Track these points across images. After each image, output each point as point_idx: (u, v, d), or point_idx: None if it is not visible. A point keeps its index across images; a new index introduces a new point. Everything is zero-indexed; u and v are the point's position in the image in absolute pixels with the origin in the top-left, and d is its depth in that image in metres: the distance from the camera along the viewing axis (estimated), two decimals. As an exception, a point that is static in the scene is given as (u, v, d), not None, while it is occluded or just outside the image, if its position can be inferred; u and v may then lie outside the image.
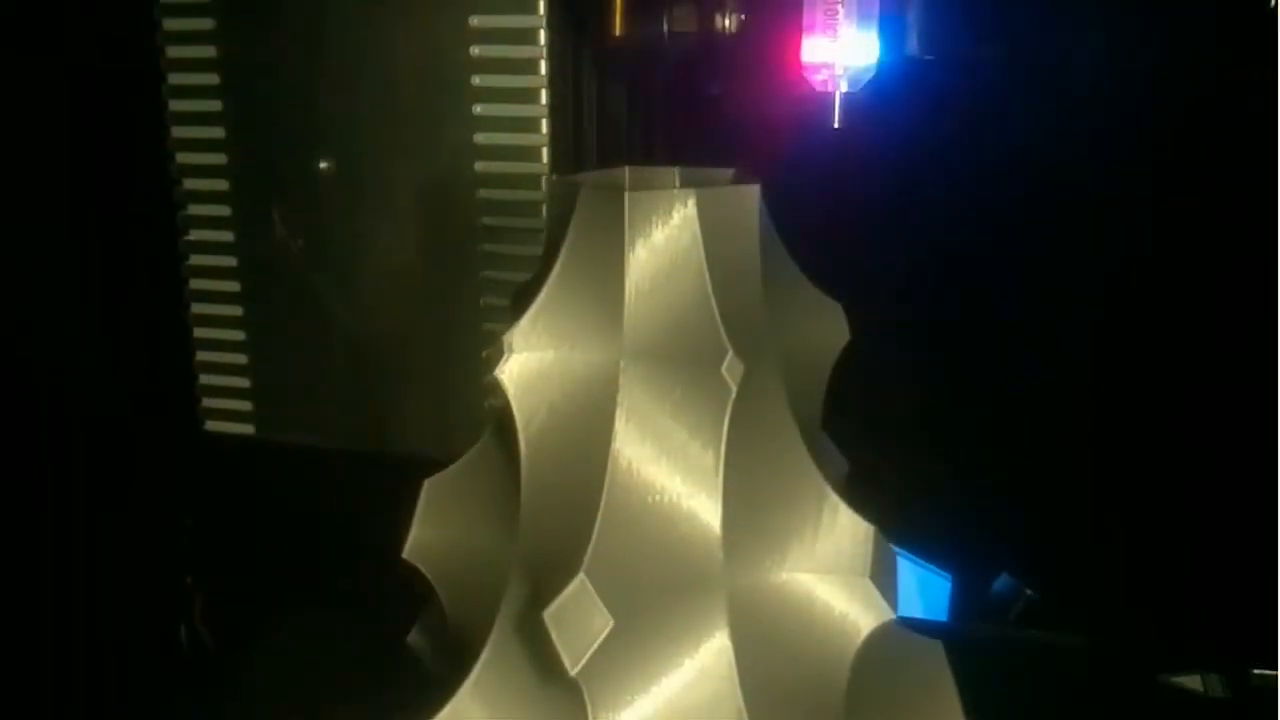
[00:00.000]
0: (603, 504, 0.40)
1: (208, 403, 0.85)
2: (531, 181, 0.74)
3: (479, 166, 0.75)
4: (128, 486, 0.90)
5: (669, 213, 0.40)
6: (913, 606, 0.91)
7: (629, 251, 0.40)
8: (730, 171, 0.45)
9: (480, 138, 0.74)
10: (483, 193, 0.75)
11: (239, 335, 0.83)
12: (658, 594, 0.40)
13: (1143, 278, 0.85)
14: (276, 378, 0.83)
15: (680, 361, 0.40)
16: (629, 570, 0.40)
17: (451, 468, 0.46)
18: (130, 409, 0.89)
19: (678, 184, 0.45)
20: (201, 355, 0.84)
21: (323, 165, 0.77)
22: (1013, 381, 0.93)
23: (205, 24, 0.77)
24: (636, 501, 0.40)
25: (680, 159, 0.47)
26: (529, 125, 0.73)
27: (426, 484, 0.46)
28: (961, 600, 0.92)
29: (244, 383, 0.83)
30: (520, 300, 0.46)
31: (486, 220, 0.75)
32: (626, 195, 0.40)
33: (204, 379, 0.84)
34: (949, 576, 0.92)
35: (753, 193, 0.41)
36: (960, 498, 0.93)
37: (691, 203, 0.40)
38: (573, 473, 0.41)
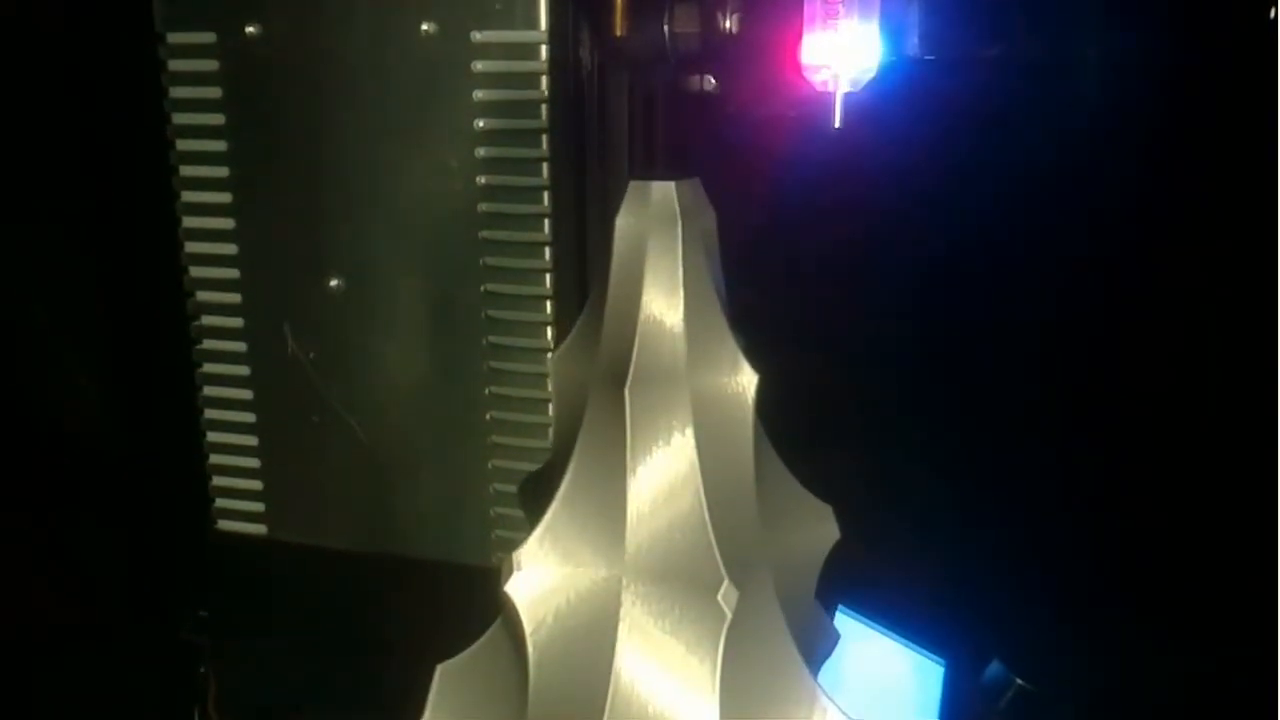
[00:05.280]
0: (606, 715, 0.42)
1: (221, 503, 0.87)
2: (536, 304, 0.76)
3: (486, 287, 0.77)
4: (146, 581, 0.92)
5: (668, 440, 0.42)
6: (908, 691, 0.93)
7: (630, 476, 0.42)
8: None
9: (487, 260, 0.76)
10: (490, 312, 0.77)
11: (251, 440, 0.85)
12: (658, 798, 0.42)
13: (1146, 290, 0.85)
14: (287, 481, 0.85)
15: (679, 583, 0.42)
16: (631, 777, 0.42)
17: (463, 655, 0.49)
18: (148, 509, 0.92)
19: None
20: (215, 458, 0.86)
21: (333, 283, 0.79)
22: (1011, 463, 0.94)
23: (218, 146, 0.79)
24: (638, 712, 0.43)
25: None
26: (534, 252, 0.75)
27: (439, 669, 0.49)
28: (956, 685, 0.94)
29: (256, 485, 0.86)
30: (527, 495, 0.48)
31: (493, 339, 0.78)
32: (629, 420, 0.42)
33: (217, 481, 0.87)
34: (943, 661, 0.94)
35: (748, 415, 0.43)
36: (957, 583, 0.95)
37: (689, 429, 0.42)
38: (577, 680, 0.43)
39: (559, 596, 0.44)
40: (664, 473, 0.42)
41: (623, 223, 0.42)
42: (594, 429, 0.43)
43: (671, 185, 0.41)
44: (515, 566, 0.43)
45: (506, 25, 0.72)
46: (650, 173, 0.44)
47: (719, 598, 0.41)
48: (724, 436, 0.43)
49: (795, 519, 0.46)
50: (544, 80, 0.72)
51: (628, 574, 0.43)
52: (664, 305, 0.42)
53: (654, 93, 0.78)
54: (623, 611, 0.43)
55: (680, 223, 0.42)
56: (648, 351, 0.42)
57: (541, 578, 0.44)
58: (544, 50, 0.72)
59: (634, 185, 0.43)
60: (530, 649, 0.44)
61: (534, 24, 0.72)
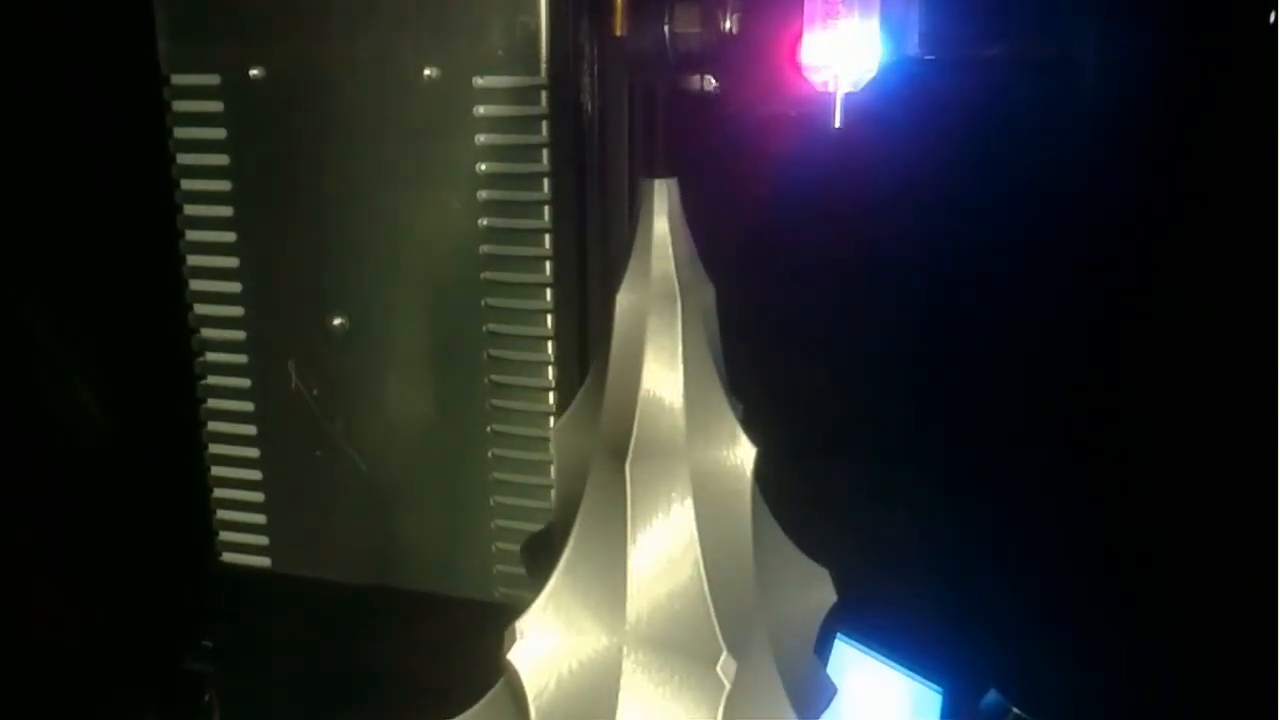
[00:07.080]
0: (608, 780, 0.43)
1: (225, 536, 0.88)
2: (537, 344, 0.77)
3: (488, 327, 0.78)
4: (150, 612, 0.93)
5: (668, 512, 0.43)
6: (905, 719, 0.94)
7: (631, 547, 0.43)
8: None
9: (489, 300, 0.77)
10: (491, 351, 0.78)
11: (255, 475, 0.86)
12: None
13: (1146, 291, 0.85)
14: (291, 515, 0.86)
15: (678, 652, 0.43)
16: (632, 842, 0.43)
17: (466, 715, 0.49)
18: (153, 541, 0.93)
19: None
20: (219, 492, 0.87)
21: (336, 322, 0.80)
22: (1010, 491, 0.94)
23: (222, 186, 0.80)
24: (639, 777, 0.43)
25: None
26: (535, 293, 0.76)
27: (443, 727, 0.50)
28: (953, 713, 0.95)
29: (260, 519, 0.87)
30: (529, 558, 0.49)
31: (494, 377, 0.78)
32: (630, 494, 0.43)
33: (221, 514, 0.87)
34: (941, 689, 0.95)
35: (746, 487, 0.44)
36: (955, 611, 0.95)
37: (689, 501, 0.43)
38: (579, 745, 0.44)
39: (561, 664, 0.45)
40: (664, 544, 0.43)
41: (623, 299, 0.43)
42: (595, 500, 0.44)
43: (672, 272, 0.42)
44: (518, 634, 0.44)
45: (508, 70, 0.73)
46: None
47: (718, 668, 0.42)
48: (723, 509, 0.44)
49: (793, 584, 0.47)
50: (545, 125, 0.73)
51: (628, 642, 0.43)
52: (664, 381, 0.43)
53: (654, 93, 0.78)
54: (624, 679, 0.43)
55: (680, 299, 0.43)
56: (648, 427, 0.43)
57: (544, 645, 0.44)
58: (545, 95, 0.72)
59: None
60: (533, 714, 0.45)
61: (535, 69, 0.72)
